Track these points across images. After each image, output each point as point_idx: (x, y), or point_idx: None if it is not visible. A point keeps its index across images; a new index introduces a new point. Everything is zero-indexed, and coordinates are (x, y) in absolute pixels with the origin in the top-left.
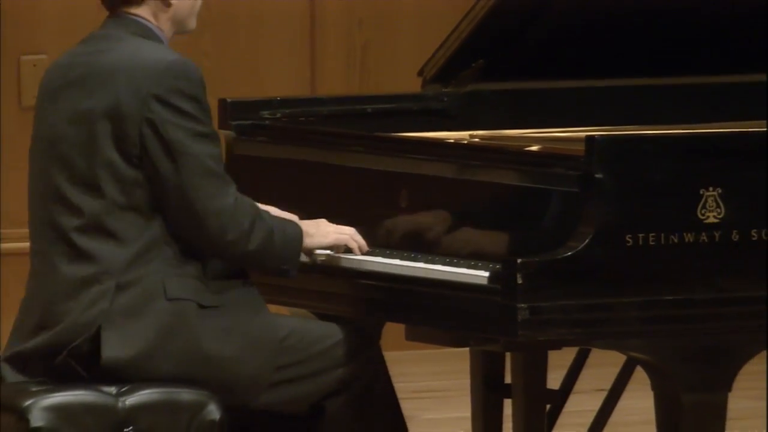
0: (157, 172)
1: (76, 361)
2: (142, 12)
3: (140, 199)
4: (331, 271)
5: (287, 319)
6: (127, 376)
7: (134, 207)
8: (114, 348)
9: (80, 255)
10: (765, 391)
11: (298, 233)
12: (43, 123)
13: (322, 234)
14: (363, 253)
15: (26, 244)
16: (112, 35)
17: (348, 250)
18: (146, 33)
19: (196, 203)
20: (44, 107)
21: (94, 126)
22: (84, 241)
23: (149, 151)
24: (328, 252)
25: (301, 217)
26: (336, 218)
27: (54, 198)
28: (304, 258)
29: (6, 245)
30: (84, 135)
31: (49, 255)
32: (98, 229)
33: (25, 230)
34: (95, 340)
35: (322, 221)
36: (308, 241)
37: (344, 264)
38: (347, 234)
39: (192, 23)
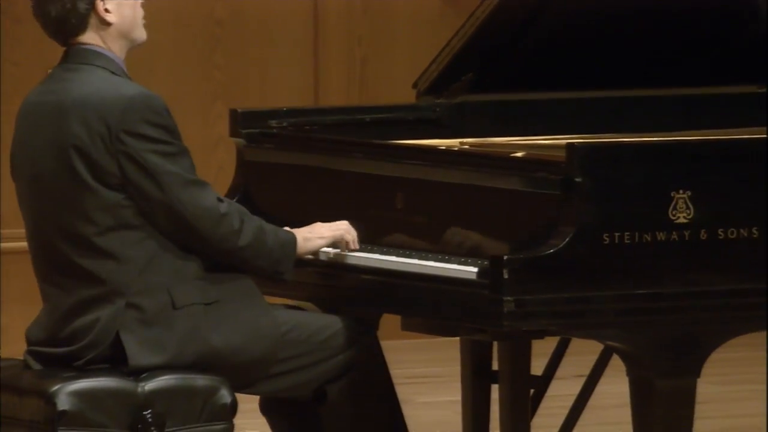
0: (142, 192)
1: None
2: (90, 39)
3: (127, 217)
4: (334, 268)
5: (289, 313)
6: (147, 367)
7: (124, 225)
8: (137, 356)
9: (85, 277)
10: (731, 377)
11: (291, 238)
12: (25, 159)
13: (318, 235)
14: (358, 247)
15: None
16: (72, 69)
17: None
18: (100, 60)
19: (185, 211)
20: (23, 143)
21: (69, 159)
22: (87, 264)
23: (131, 178)
24: (332, 250)
25: (307, 218)
26: (337, 218)
27: (50, 228)
28: (310, 257)
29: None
30: (62, 168)
31: (57, 280)
32: (95, 251)
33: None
34: (114, 346)
35: (317, 224)
36: (308, 245)
37: (347, 261)
38: (342, 229)
39: (141, 34)
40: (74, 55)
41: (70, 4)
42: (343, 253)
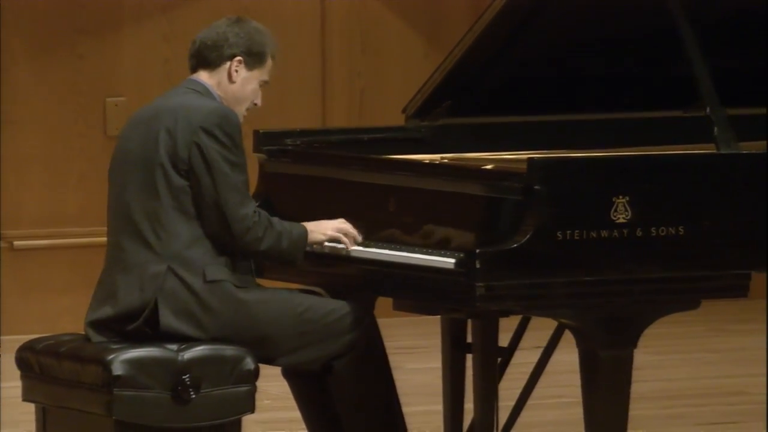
0: (199, 183)
1: (146, 325)
2: (211, 79)
3: (185, 202)
4: (338, 259)
5: (304, 296)
6: (182, 337)
7: (181, 209)
8: (168, 318)
9: (142, 243)
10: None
11: (303, 233)
12: (122, 146)
13: (322, 230)
14: (357, 243)
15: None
16: (181, 93)
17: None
18: (205, 92)
19: (225, 210)
20: (124, 135)
21: (157, 146)
22: (146, 233)
23: (194, 167)
24: (332, 244)
25: (315, 218)
26: (342, 217)
27: (127, 200)
28: (315, 248)
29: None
30: (148, 153)
31: (120, 242)
32: (157, 223)
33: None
34: (154, 312)
35: (323, 221)
36: (311, 237)
37: (349, 253)
38: (343, 228)
39: (241, 111)
40: (191, 83)
41: (223, 42)
42: (341, 247)
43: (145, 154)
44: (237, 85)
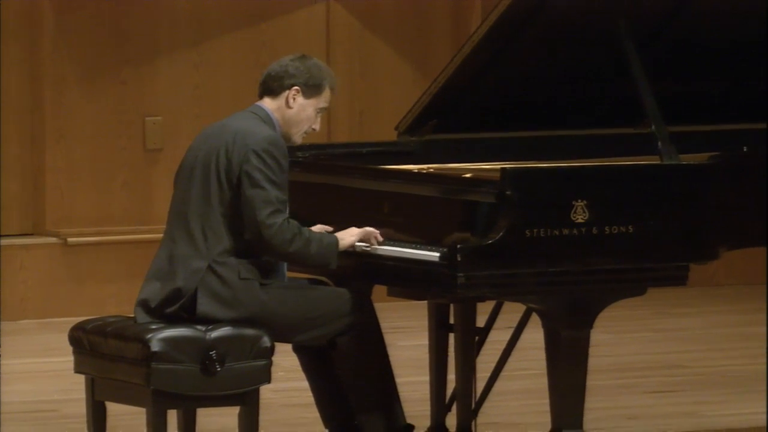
0: (243, 194)
1: (183, 311)
2: (272, 105)
3: (228, 210)
4: (346, 254)
5: (313, 287)
6: (212, 320)
7: (225, 215)
8: (205, 306)
9: (191, 240)
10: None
11: (333, 241)
12: (189, 156)
13: (350, 235)
14: (379, 243)
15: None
16: (244, 114)
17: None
18: (265, 117)
19: (259, 217)
20: (193, 147)
21: (216, 160)
22: (195, 232)
23: (242, 181)
24: (363, 244)
25: (323, 217)
26: (342, 220)
27: (186, 202)
28: (349, 249)
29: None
30: (208, 164)
31: (174, 235)
32: (206, 224)
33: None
34: (193, 299)
35: (352, 228)
36: (342, 243)
37: (375, 251)
38: (367, 232)
39: (294, 136)
40: (255, 108)
41: (284, 74)
42: (368, 247)
43: (206, 166)
44: (293, 110)
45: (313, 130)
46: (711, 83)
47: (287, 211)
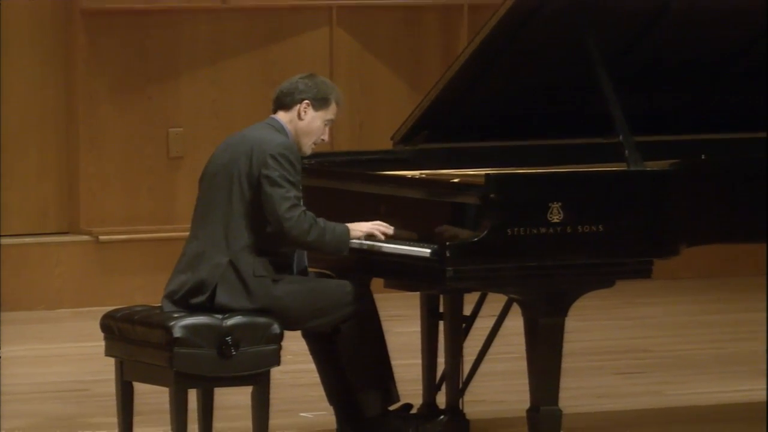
0: (263, 193)
1: (204, 301)
2: (285, 118)
3: (248, 211)
4: (354, 250)
5: (318, 280)
6: (228, 310)
7: (245, 215)
8: (223, 298)
9: (213, 238)
10: (587, 316)
11: (345, 231)
12: (212, 162)
13: (360, 229)
14: (390, 233)
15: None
16: (262, 125)
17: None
18: (280, 128)
19: (278, 212)
20: (216, 153)
21: (238, 165)
22: (217, 231)
23: (261, 182)
24: (370, 242)
25: (327, 217)
26: (344, 220)
27: (210, 203)
28: (357, 241)
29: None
30: (231, 169)
31: (198, 233)
32: (228, 223)
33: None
34: (213, 291)
35: (362, 222)
36: (352, 233)
37: (382, 246)
38: (375, 225)
39: (305, 146)
40: (271, 121)
41: (295, 90)
42: (376, 241)
43: (229, 171)
44: (305, 122)
45: (323, 140)
46: (674, 97)
47: (302, 206)
